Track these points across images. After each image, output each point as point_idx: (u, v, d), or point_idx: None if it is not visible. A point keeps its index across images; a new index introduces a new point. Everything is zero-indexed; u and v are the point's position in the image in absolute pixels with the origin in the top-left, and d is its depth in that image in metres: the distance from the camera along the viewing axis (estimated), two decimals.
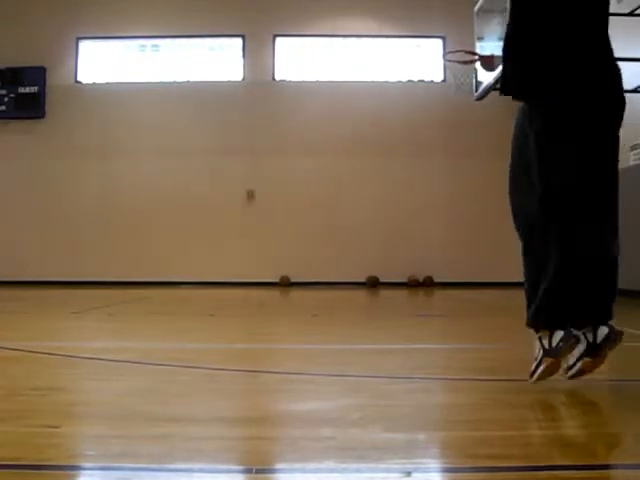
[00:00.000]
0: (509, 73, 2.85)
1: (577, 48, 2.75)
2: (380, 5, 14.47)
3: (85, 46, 14.84)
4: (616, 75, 2.83)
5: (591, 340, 2.65)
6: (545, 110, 2.73)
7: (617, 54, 2.88)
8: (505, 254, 14.35)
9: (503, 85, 2.94)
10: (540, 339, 2.78)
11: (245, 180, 14.40)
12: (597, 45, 2.81)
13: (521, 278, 2.99)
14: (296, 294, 11.67)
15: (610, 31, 2.87)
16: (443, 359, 4.11)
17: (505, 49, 2.86)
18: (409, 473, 1.81)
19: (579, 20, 2.75)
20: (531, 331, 2.87)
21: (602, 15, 2.83)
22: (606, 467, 1.86)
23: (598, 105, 2.74)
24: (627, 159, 9.35)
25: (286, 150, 14.41)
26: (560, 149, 2.69)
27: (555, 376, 2.82)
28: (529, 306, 2.89)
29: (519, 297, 3.04)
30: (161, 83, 14.74)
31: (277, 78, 14.79)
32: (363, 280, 14.11)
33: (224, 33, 14.82)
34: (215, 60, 14.89)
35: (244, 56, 14.79)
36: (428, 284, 14.09)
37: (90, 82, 14.84)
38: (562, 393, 2.89)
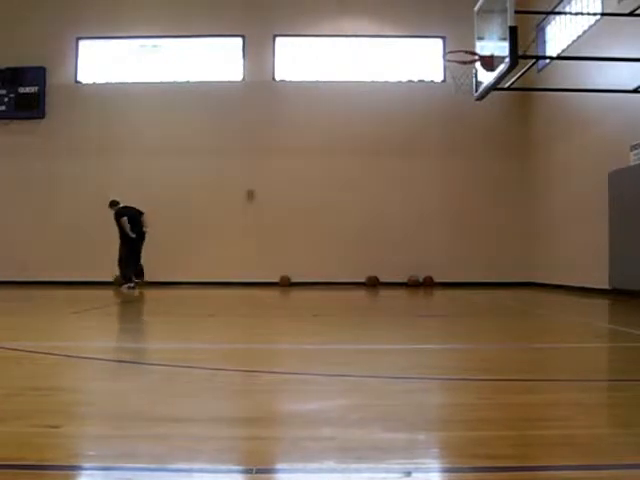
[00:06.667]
0: None
1: None
2: (380, 5, 14.48)
3: (85, 46, 14.84)
4: None
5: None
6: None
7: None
8: (505, 254, 14.40)
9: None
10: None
11: (245, 180, 14.41)
12: None
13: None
14: (296, 294, 11.66)
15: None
16: (443, 359, 4.11)
17: None
18: (409, 473, 1.81)
19: None
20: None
21: None
22: (606, 467, 1.86)
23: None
24: (627, 159, 9.20)
25: (286, 150, 14.41)
26: None
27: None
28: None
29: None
30: (161, 83, 14.74)
31: (277, 78, 14.79)
32: (363, 280, 14.13)
33: (224, 33, 14.82)
34: (215, 60, 14.89)
35: (244, 56, 14.79)
36: (428, 284, 14.10)
37: (90, 82, 14.84)
38: (561, 393, 2.90)
